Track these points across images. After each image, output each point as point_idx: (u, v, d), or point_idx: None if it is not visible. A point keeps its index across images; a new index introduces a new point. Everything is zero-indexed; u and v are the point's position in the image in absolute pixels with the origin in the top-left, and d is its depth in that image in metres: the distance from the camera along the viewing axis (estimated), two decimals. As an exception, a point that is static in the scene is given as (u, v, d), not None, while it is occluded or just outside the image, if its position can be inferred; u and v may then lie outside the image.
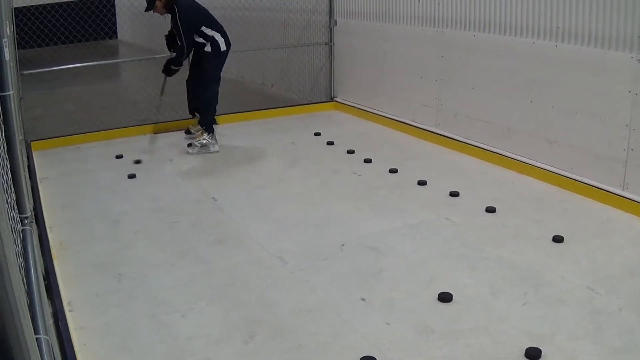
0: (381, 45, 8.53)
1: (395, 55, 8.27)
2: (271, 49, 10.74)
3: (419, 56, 7.82)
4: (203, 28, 7.40)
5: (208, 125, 7.67)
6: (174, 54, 7.65)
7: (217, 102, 7.79)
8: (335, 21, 9.46)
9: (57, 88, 11.53)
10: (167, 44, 7.87)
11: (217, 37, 7.45)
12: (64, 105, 10.57)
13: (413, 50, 7.92)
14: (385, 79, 8.57)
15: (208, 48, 7.45)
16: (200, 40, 7.46)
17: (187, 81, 8.04)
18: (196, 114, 8.13)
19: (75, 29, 13.32)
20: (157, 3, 7.26)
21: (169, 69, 7.75)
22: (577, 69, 5.77)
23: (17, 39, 7.76)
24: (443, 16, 7.35)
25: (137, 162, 7.21)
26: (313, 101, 9.85)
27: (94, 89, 11.77)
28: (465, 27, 7.04)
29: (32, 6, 10.89)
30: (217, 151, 7.59)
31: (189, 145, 7.61)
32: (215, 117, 7.87)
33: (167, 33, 7.80)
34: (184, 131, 8.28)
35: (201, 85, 7.68)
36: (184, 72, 7.95)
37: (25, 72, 7.90)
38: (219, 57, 7.59)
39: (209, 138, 7.62)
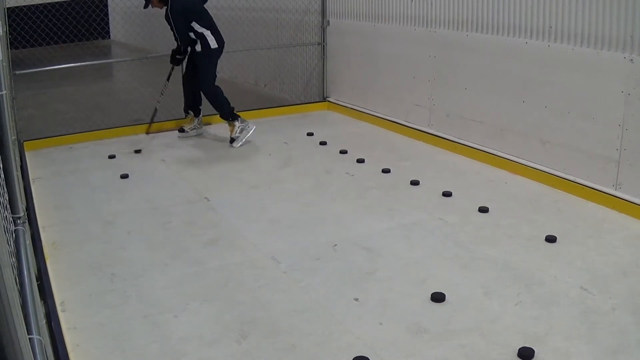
0: (374, 46, 8.53)
1: (388, 55, 8.28)
2: (264, 49, 10.74)
3: (412, 56, 7.83)
4: (193, 24, 7.48)
5: (231, 115, 7.76)
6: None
7: (222, 92, 7.80)
8: (328, 21, 9.47)
9: (49, 88, 11.52)
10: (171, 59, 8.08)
11: (207, 34, 7.51)
12: (57, 105, 10.54)
13: (406, 50, 7.93)
14: (378, 79, 8.57)
15: (198, 47, 7.56)
16: (192, 36, 7.55)
17: (183, 79, 8.11)
18: (190, 112, 8.16)
19: (67, 29, 13.30)
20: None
21: (175, 58, 7.92)
22: (570, 69, 5.79)
23: (9, 38, 7.73)
24: (436, 16, 7.36)
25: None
26: (306, 101, 9.85)
27: (87, 89, 11.75)
28: (458, 27, 7.05)
29: (24, 6, 10.87)
30: (254, 128, 7.80)
31: (232, 140, 7.71)
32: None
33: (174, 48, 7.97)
34: (177, 130, 8.29)
35: (201, 85, 7.77)
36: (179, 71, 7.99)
37: (17, 72, 7.88)
38: (210, 55, 7.63)
39: (240, 123, 7.74)
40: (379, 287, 4.32)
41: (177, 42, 7.68)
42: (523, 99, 6.33)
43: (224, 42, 7.71)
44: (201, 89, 7.81)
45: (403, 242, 5.02)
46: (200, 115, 8.27)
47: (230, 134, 7.75)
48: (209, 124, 8.56)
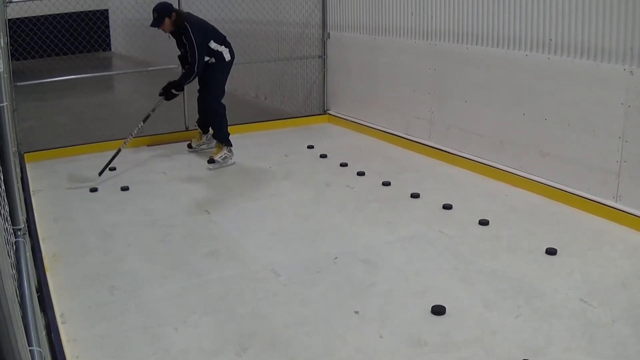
0: (374, 58, 8.55)
1: (389, 68, 8.30)
2: (265, 62, 10.76)
3: (412, 69, 7.85)
4: (211, 43, 7.34)
5: (224, 139, 7.61)
6: (178, 78, 7.49)
7: (225, 112, 7.70)
8: (329, 34, 9.49)
9: (50, 100, 11.54)
10: (182, 64, 7.69)
11: (222, 49, 7.42)
12: (58, 117, 10.56)
13: (406, 63, 7.95)
14: (378, 92, 8.59)
15: (212, 60, 7.43)
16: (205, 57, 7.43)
17: (198, 97, 7.88)
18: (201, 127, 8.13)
19: (69, 41, 13.32)
20: (167, 20, 7.09)
21: (169, 92, 7.42)
22: (570, 81, 5.80)
23: (10, 50, 7.75)
24: (436, 29, 7.38)
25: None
26: (306, 114, 9.86)
27: (88, 101, 11.77)
28: (458, 40, 7.07)
29: (26, 17, 10.91)
30: (234, 163, 7.57)
31: (210, 161, 7.48)
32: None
33: (179, 53, 7.63)
34: (186, 145, 8.24)
35: (209, 98, 7.63)
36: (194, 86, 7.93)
37: (18, 83, 7.89)
38: (224, 67, 7.53)
39: (227, 151, 7.58)
40: (379, 300, 4.31)
41: (188, 70, 7.29)
42: (523, 111, 6.34)
43: (234, 54, 7.63)
44: (208, 101, 7.65)
45: (403, 255, 5.02)
46: (209, 133, 8.12)
47: (213, 155, 7.57)
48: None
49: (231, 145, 7.62)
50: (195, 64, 7.19)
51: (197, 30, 7.17)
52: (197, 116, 8.10)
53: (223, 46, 7.47)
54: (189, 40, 7.14)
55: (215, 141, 7.78)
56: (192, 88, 7.83)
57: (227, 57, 7.50)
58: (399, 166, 7.32)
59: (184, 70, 7.50)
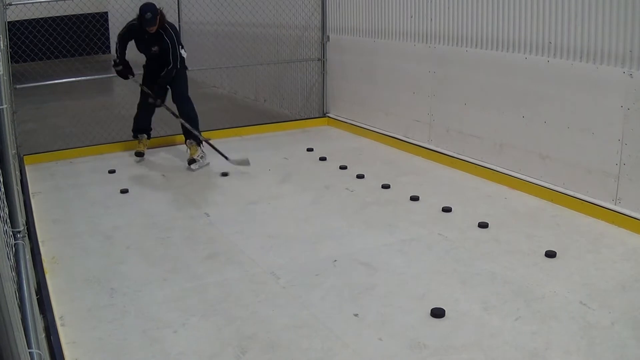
0: (374, 61, 8.56)
1: (388, 71, 8.30)
2: (264, 65, 10.77)
3: (412, 72, 7.85)
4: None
5: (198, 139, 7.69)
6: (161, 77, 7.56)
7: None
8: (328, 37, 9.50)
9: (50, 102, 11.54)
10: (151, 63, 7.77)
11: (184, 53, 7.58)
12: (57, 119, 10.56)
13: (405, 66, 7.96)
14: (377, 95, 8.59)
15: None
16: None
17: (141, 102, 7.97)
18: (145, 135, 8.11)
19: (68, 44, 13.34)
20: (158, 19, 7.16)
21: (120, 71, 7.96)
22: (569, 83, 5.80)
23: (10, 52, 7.75)
24: (435, 32, 7.39)
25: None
26: (305, 117, 9.86)
27: (87, 104, 11.76)
28: (457, 43, 7.08)
29: (25, 20, 10.90)
30: (208, 163, 7.61)
31: (191, 162, 7.51)
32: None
33: (151, 52, 7.59)
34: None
35: (184, 103, 7.69)
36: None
37: (18, 86, 7.90)
38: (185, 70, 7.75)
39: (202, 152, 7.65)
40: (378, 303, 4.31)
41: (169, 69, 7.42)
42: (522, 114, 6.35)
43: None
44: (186, 107, 7.69)
45: (402, 258, 5.02)
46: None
47: (192, 155, 7.58)
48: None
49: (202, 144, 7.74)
50: (177, 62, 7.40)
51: (176, 31, 7.45)
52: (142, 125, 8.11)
53: (183, 50, 7.60)
54: (171, 39, 7.31)
55: (192, 141, 7.71)
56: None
57: (185, 59, 7.65)
58: (398, 169, 7.32)
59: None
